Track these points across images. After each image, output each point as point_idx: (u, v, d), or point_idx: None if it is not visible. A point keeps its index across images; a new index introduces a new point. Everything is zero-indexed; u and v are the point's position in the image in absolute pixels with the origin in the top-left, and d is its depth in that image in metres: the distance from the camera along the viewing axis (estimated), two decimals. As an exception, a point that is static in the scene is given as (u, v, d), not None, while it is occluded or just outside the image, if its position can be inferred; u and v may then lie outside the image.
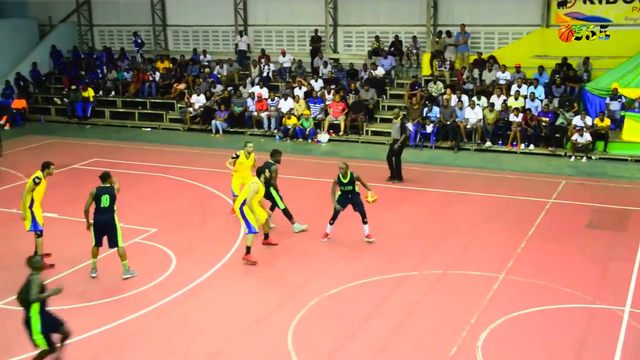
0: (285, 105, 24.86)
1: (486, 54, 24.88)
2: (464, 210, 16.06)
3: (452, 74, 24.69)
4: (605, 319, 10.70)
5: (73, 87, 28.58)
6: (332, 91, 24.76)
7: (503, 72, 23.64)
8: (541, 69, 23.18)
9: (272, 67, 27.42)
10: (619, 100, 21.60)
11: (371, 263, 12.97)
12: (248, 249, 12.99)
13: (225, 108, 25.34)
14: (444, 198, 17.08)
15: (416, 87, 24.13)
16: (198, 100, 26.12)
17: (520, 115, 21.63)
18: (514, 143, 21.53)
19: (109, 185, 12.20)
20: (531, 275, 12.14)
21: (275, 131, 24.50)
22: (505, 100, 22.38)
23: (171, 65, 29.07)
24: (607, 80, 22.06)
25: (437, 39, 25.22)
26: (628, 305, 11.02)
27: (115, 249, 12.23)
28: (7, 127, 26.56)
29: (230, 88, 26.44)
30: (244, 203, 12.83)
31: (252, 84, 26.59)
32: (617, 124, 21.41)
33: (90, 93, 28.04)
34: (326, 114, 24.25)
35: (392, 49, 26.47)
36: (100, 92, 28.77)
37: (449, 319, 10.72)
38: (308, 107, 24.38)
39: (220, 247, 13.75)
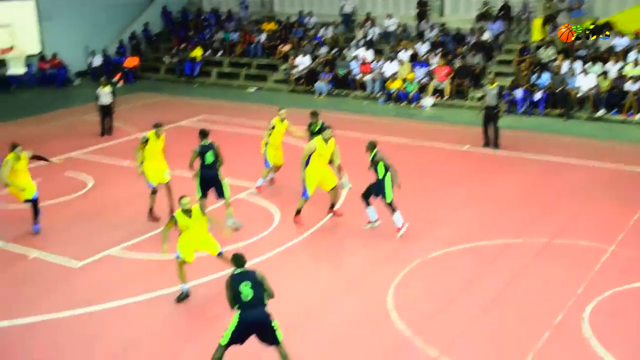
0: (389, 68, 24.60)
1: (602, 19, 23.66)
2: (573, 179, 15.49)
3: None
4: None
5: (182, 46, 29.44)
6: (438, 55, 24.32)
7: (621, 37, 22.45)
8: (663, 35, 21.87)
9: (378, 30, 27.16)
10: None
11: (474, 227, 12.77)
12: (298, 211, 12.94)
13: (329, 70, 25.40)
14: (552, 166, 16.52)
15: (525, 53, 23.32)
16: (302, 62, 26.27)
17: (638, 83, 20.53)
18: (630, 112, 20.50)
19: (210, 142, 12.51)
20: (644, 249, 11.63)
21: (379, 94, 24.37)
22: (621, 68, 21.29)
23: (277, 26, 29.33)
24: None
25: (548, 3, 24.17)
26: None
27: (223, 200, 12.60)
28: (120, 84, 27.65)
29: (334, 50, 26.43)
30: (307, 163, 12.62)
31: (357, 47, 26.47)
32: None
33: (198, 53, 28.81)
34: (431, 78, 23.86)
35: (502, 13, 25.64)
36: (208, 52, 29.44)
37: (554, 287, 10.46)
38: (412, 71, 24.07)
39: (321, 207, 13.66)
